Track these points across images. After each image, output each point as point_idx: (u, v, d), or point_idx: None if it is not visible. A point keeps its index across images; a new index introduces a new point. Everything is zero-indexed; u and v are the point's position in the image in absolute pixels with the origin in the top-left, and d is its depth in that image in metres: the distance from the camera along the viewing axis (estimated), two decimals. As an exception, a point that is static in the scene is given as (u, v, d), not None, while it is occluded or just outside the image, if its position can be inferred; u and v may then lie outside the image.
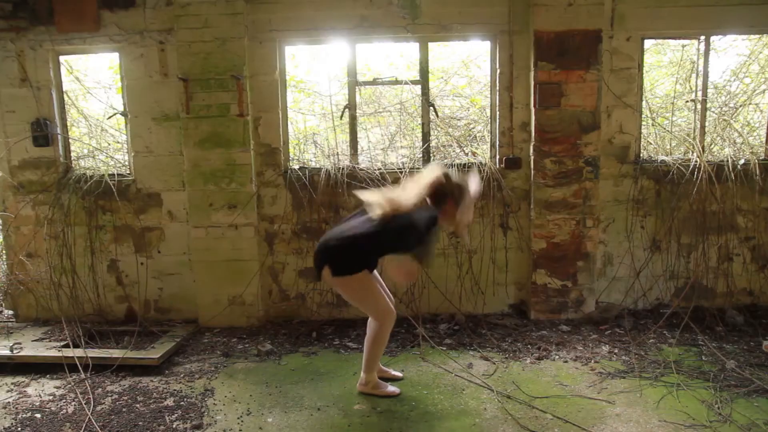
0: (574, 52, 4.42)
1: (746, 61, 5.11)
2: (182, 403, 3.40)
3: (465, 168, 4.68)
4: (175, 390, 3.58)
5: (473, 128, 5.09)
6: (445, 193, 3.16)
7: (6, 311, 5.12)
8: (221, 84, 4.52)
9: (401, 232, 3.03)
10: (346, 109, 4.79)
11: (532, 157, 4.59)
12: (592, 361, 3.86)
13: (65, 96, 4.90)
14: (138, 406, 3.38)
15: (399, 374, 3.68)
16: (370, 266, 3.25)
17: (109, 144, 5.20)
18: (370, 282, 3.27)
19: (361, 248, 3.16)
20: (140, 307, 4.90)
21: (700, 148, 4.68)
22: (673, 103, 4.96)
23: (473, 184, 3.27)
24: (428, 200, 3.20)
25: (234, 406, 3.36)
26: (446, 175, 3.15)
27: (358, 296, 3.30)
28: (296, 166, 4.83)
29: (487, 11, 4.57)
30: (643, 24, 4.56)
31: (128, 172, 4.89)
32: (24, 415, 3.30)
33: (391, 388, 3.45)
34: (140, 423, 3.16)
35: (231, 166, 4.61)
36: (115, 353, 3.98)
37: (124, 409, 3.33)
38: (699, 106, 4.72)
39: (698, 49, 4.71)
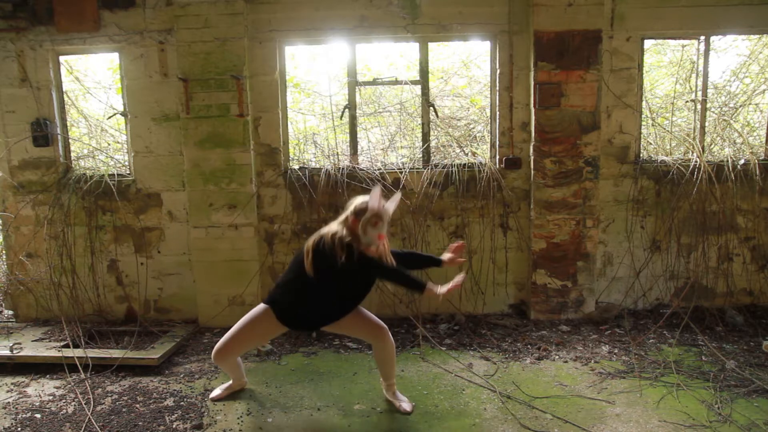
0: (574, 52, 4.42)
1: (746, 61, 5.12)
2: (182, 403, 3.40)
3: (464, 167, 4.69)
4: (175, 390, 3.58)
5: (473, 128, 5.09)
6: (351, 210, 3.04)
7: (6, 311, 5.13)
8: (221, 84, 4.52)
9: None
10: (346, 109, 4.79)
11: (532, 157, 4.59)
12: (592, 361, 3.86)
13: (65, 96, 4.90)
14: (138, 406, 3.38)
15: (408, 408, 3.27)
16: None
17: (109, 144, 5.20)
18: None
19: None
20: (140, 307, 4.90)
21: (700, 148, 4.68)
22: (673, 103, 4.96)
23: (389, 202, 3.06)
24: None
25: (234, 406, 3.36)
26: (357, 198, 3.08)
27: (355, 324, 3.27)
28: (296, 166, 4.82)
29: (487, 11, 4.57)
30: (643, 24, 4.56)
31: (128, 172, 4.89)
32: (24, 415, 3.30)
33: (405, 406, 3.26)
34: (140, 423, 3.16)
35: (231, 166, 4.61)
36: (115, 353, 3.98)
37: (124, 410, 3.33)
38: (699, 106, 4.72)
39: (698, 49, 4.71)
